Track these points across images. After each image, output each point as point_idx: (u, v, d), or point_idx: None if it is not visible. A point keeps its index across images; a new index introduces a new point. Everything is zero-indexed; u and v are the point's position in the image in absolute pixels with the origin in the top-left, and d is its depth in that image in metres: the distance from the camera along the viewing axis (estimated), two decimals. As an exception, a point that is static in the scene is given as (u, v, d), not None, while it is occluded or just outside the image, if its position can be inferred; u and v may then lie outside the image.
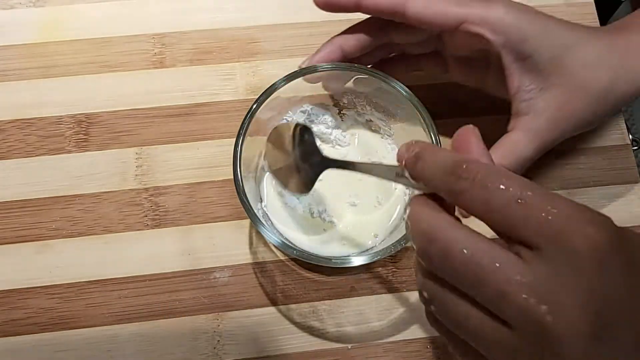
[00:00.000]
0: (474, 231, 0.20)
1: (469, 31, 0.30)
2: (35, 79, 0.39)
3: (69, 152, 0.38)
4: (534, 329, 0.18)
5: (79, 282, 0.35)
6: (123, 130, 0.38)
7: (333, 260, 0.30)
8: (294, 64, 0.33)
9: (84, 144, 0.38)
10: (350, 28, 0.33)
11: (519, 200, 0.19)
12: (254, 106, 0.32)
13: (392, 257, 0.36)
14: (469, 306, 0.19)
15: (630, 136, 0.39)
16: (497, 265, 0.18)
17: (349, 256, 0.31)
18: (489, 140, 0.27)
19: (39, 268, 0.35)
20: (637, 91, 0.32)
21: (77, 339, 0.34)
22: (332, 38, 0.33)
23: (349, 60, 0.33)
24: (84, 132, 0.38)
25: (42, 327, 0.34)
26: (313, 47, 0.40)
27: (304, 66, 0.33)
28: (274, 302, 0.35)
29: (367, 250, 0.34)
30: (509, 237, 0.19)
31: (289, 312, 0.35)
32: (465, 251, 0.19)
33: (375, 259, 0.30)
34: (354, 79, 0.34)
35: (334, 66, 0.33)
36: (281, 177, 0.33)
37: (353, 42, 0.32)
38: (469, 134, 0.22)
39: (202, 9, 0.41)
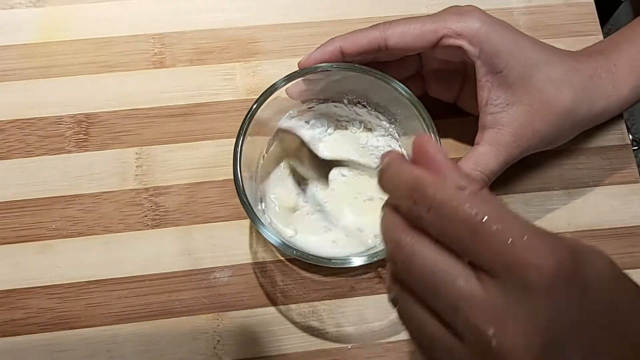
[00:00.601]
0: (439, 246, 0.20)
1: (449, 45, 0.31)
2: (35, 79, 0.39)
3: (69, 152, 0.38)
4: (480, 348, 0.19)
5: (79, 282, 0.35)
6: (123, 130, 0.38)
7: (333, 261, 0.30)
8: (294, 64, 0.33)
9: (84, 144, 0.38)
10: (351, 32, 0.33)
11: (474, 231, 0.19)
12: (254, 106, 0.32)
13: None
14: (427, 314, 0.20)
15: (630, 136, 0.39)
16: (454, 281, 0.19)
17: (348, 256, 0.31)
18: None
19: (39, 268, 0.35)
20: (595, 117, 0.33)
21: (77, 339, 0.34)
22: (332, 39, 0.33)
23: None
24: (84, 132, 0.38)
25: (42, 327, 0.34)
26: (313, 47, 0.40)
27: (303, 63, 0.33)
28: (274, 302, 0.35)
29: (367, 250, 0.34)
30: (470, 260, 0.20)
31: (289, 312, 0.35)
32: (426, 264, 0.20)
33: (375, 259, 0.30)
34: (351, 79, 0.34)
35: (334, 66, 0.32)
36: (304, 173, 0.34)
37: (352, 45, 0.32)
38: (424, 145, 0.21)
39: (202, 9, 0.41)
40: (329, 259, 0.30)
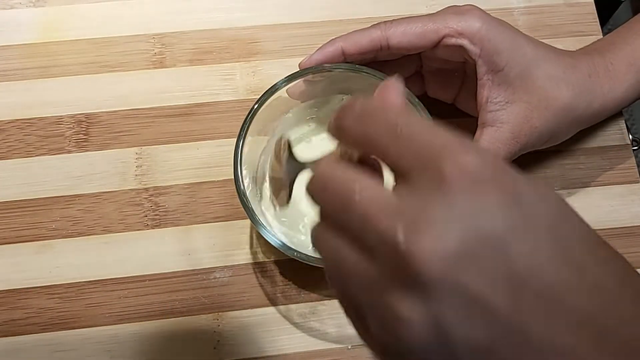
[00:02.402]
0: (356, 168, 0.19)
1: (450, 44, 0.31)
2: (35, 79, 0.39)
3: (69, 152, 0.37)
4: (390, 260, 0.16)
5: (79, 282, 0.35)
6: (123, 130, 0.38)
7: None
8: (294, 64, 0.33)
9: (84, 144, 0.38)
10: (351, 33, 0.33)
11: (394, 133, 0.18)
12: (255, 106, 0.32)
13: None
14: (340, 239, 0.18)
15: (630, 136, 0.39)
16: (363, 192, 0.18)
17: None
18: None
19: (39, 268, 0.35)
20: (593, 114, 0.33)
21: (77, 339, 0.34)
22: (333, 39, 0.33)
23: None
24: (84, 132, 0.38)
25: (42, 327, 0.34)
26: (313, 47, 0.40)
27: (304, 63, 0.33)
28: (274, 302, 0.35)
29: None
30: (392, 169, 0.19)
31: (288, 312, 0.35)
32: (337, 182, 0.18)
33: None
34: (351, 79, 0.34)
35: (334, 66, 0.32)
36: (274, 191, 0.33)
37: (353, 46, 0.32)
38: (387, 86, 0.20)
39: (202, 9, 0.41)
40: None
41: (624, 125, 0.39)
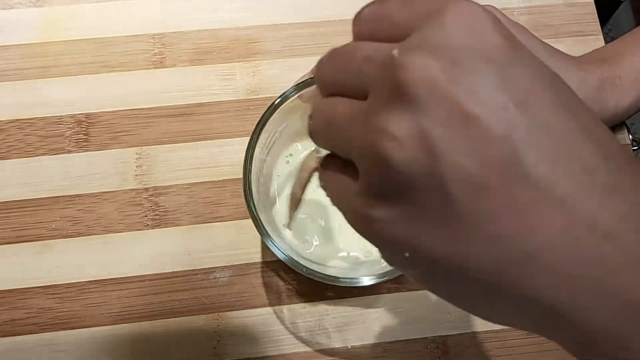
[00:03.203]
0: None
1: None
2: (35, 79, 0.39)
3: (69, 152, 0.37)
4: (383, 75, 0.16)
5: (79, 282, 0.35)
6: (123, 130, 0.38)
7: (341, 280, 0.30)
8: (294, 64, 0.33)
9: (84, 144, 0.38)
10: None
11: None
12: (266, 115, 0.31)
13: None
14: (337, 98, 0.18)
15: (630, 136, 0.39)
16: (367, 45, 0.17)
17: (357, 277, 0.30)
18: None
19: (39, 268, 0.35)
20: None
21: (77, 339, 0.34)
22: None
23: None
24: (84, 132, 0.38)
25: (42, 327, 0.34)
26: (313, 47, 0.40)
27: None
28: (274, 302, 0.35)
29: (376, 261, 0.33)
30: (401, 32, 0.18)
31: (289, 312, 0.35)
32: (343, 49, 0.18)
33: (385, 278, 0.29)
34: None
35: None
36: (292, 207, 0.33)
37: None
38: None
39: (202, 9, 0.41)
40: (337, 278, 0.30)
41: (624, 125, 0.39)
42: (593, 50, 0.36)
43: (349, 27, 0.36)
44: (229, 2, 0.42)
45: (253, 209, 0.30)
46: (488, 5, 0.31)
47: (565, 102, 0.16)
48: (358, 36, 0.19)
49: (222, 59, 0.40)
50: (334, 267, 0.33)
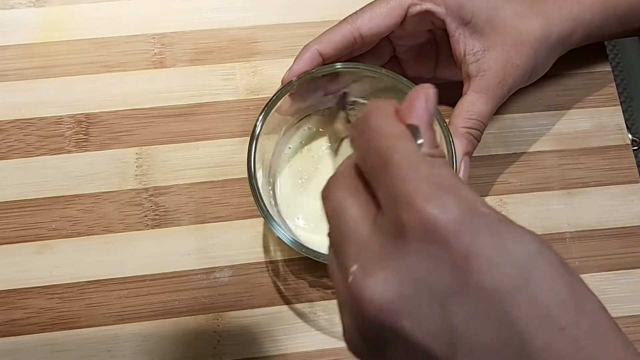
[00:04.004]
0: (359, 186, 0.19)
1: (417, 13, 0.33)
2: (35, 79, 0.39)
3: (69, 152, 0.37)
4: (343, 286, 0.18)
5: (79, 282, 0.35)
6: (123, 130, 0.38)
7: None
8: (294, 64, 0.33)
9: (84, 144, 0.38)
10: (323, 34, 0.34)
11: (379, 162, 0.18)
12: (273, 98, 0.32)
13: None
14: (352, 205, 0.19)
15: (630, 136, 0.39)
16: (350, 218, 0.18)
17: None
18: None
19: (39, 268, 0.35)
20: (567, 39, 0.34)
21: (77, 339, 0.34)
22: (307, 45, 0.33)
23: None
24: (84, 132, 0.38)
25: (42, 327, 0.34)
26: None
27: (286, 77, 0.33)
28: (274, 302, 0.35)
29: None
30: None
31: (289, 312, 0.35)
32: (337, 202, 0.19)
33: None
34: (361, 79, 0.34)
35: (319, 71, 0.33)
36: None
37: (328, 46, 0.33)
38: (416, 98, 0.19)
39: (202, 9, 0.41)
40: None
41: (624, 125, 0.39)
42: None
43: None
44: (229, 2, 0.42)
45: (257, 191, 0.30)
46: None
47: (511, 330, 0.16)
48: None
49: (222, 59, 0.40)
50: None
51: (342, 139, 0.32)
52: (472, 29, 0.33)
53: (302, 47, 0.34)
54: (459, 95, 0.34)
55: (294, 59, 0.34)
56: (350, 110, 0.28)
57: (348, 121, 0.30)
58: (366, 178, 0.19)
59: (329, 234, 0.19)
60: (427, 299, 0.16)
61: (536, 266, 0.16)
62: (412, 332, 0.16)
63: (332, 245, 0.19)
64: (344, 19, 0.33)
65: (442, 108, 0.36)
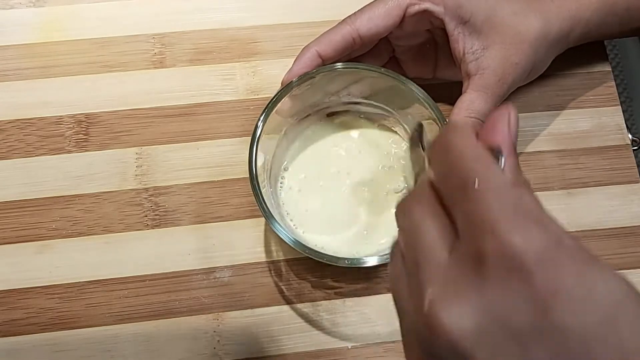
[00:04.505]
0: (438, 210, 0.18)
1: (415, 13, 0.33)
2: (35, 79, 0.39)
3: (69, 152, 0.37)
4: (417, 315, 0.17)
5: (79, 282, 0.35)
6: (123, 130, 0.38)
7: (344, 260, 0.30)
8: (294, 64, 0.33)
9: (84, 144, 0.38)
10: (322, 35, 0.34)
11: (461, 189, 0.17)
12: (274, 99, 0.32)
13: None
14: (405, 275, 0.19)
15: (630, 136, 0.39)
16: (428, 243, 0.18)
17: (362, 257, 0.30)
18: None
19: (39, 268, 0.35)
20: (566, 37, 0.34)
21: (77, 339, 0.34)
22: (306, 46, 0.33)
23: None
24: (84, 132, 0.38)
25: (42, 327, 0.34)
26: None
27: (286, 79, 0.33)
28: (274, 302, 0.35)
29: (383, 250, 0.33)
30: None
31: (289, 312, 0.35)
32: (414, 225, 0.18)
33: (388, 260, 0.30)
34: (363, 79, 0.34)
35: (317, 72, 0.33)
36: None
37: (328, 47, 0.33)
38: (499, 119, 0.19)
39: (202, 9, 0.41)
40: (341, 258, 0.30)
41: (624, 125, 0.39)
42: None
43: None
44: (229, 2, 0.42)
45: (258, 191, 0.30)
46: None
47: None
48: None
49: (222, 59, 0.40)
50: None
51: (417, 175, 0.29)
52: (471, 28, 0.33)
53: (302, 47, 0.34)
54: (459, 94, 0.34)
55: (293, 59, 0.34)
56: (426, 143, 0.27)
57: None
58: (444, 201, 0.18)
59: (404, 253, 0.19)
60: (506, 335, 0.16)
61: (624, 310, 0.15)
62: None
63: (407, 263, 0.18)
64: (343, 20, 0.34)
65: (442, 107, 0.36)
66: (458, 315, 0.16)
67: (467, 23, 0.33)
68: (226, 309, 0.34)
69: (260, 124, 0.32)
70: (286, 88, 0.32)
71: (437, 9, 0.33)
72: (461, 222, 0.17)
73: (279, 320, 0.34)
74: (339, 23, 0.34)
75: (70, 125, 0.38)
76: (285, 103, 0.33)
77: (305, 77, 0.33)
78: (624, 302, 0.15)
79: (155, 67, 0.39)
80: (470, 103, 0.33)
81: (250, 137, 0.32)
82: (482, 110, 0.33)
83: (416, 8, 0.33)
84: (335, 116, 0.37)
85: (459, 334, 0.16)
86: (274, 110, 0.32)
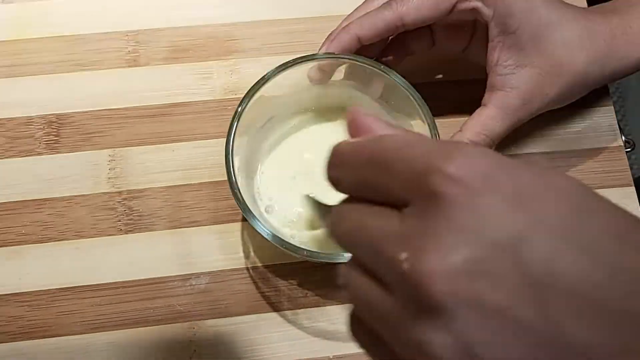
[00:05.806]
0: (369, 205, 0.18)
1: (463, 9, 0.32)
2: (3, 78, 0.38)
3: (39, 154, 0.37)
4: (401, 284, 0.16)
5: (50, 289, 0.34)
6: (96, 132, 0.37)
7: (320, 254, 0.29)
8: (274, 63, 0.32)
9: (55, 145, 0.37)
10: (363, 17, 0.33)
11: (374, 171, 0.17)
12: (252, 90, 0.31)
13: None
14: (366, 279, 0.18)
15: (623, 137, 0.38)
16: (373, 226, 0.17)
17: (337, 252, 0.30)
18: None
19: (8, 275, 0.34)
20: (606, 78, 0.33)
21: (49, 348, 0.33)
22: (346, 27, 0.32)
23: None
24: (55, 133, 0.37)
25: (11, 336, 0.33)
26: (295, 45, 0.39)
27: (322, 51, 0.32)
28: (252, 310, 0.34)
29: None
30: (393, 203, 0.18)
31: (268, 320, 0.34)
32: (354, 222, 0.18)
33: None
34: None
35: (349, 58, 0.32)
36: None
37: (369, 31, 0.32)
38: (354, 118, 0.19)
39: (177, 5, 0.40)
40: (317, 253, 0.29)
41: (617, 126, 0.39)
42: (604, 2, 0.35)
43: (328, 24, 0.35)
44: (206, -3, 0.41)
45: (235, 185, 0.30)
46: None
47: (596, 259, 0.15)
48: (336, 183, 0.19)
49: (199, 57, 0.39)
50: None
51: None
52: (514, 40, 0.31)
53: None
54: (459, 94, 0.33)
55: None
56: None
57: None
58: (371, 196, 0.18)
59: (355, 257, 0.18)
60: (494, 254, 0.15)
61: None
62: (492, 296, 0.15)
63: (365, 256, 0.17)
64: (386, 4, 0.32)
65: (442, 107, 0.35)
66: (442, 256, 0.15)
67: (512, 35, 0.31)
68: (203, 317, 0.34)
69: (238, 113, 0.31)
70: (261, 80, 0.31)
71: (486, 11, 0.31)
72: (401, 185, 0.17)
73: (257, 328, 0.34)
74: (382, 6, 0.32)
75: (41, 126, 0.37)
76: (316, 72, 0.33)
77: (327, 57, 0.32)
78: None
79: (129, 66, 0.39)
80: (488, 119, 0.32)
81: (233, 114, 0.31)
82: (497, 131, 0.32)
83: (465, 5, 0.31)
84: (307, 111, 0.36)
85: (450, 269, 0.15)
86: (252, 100, 0.31)
